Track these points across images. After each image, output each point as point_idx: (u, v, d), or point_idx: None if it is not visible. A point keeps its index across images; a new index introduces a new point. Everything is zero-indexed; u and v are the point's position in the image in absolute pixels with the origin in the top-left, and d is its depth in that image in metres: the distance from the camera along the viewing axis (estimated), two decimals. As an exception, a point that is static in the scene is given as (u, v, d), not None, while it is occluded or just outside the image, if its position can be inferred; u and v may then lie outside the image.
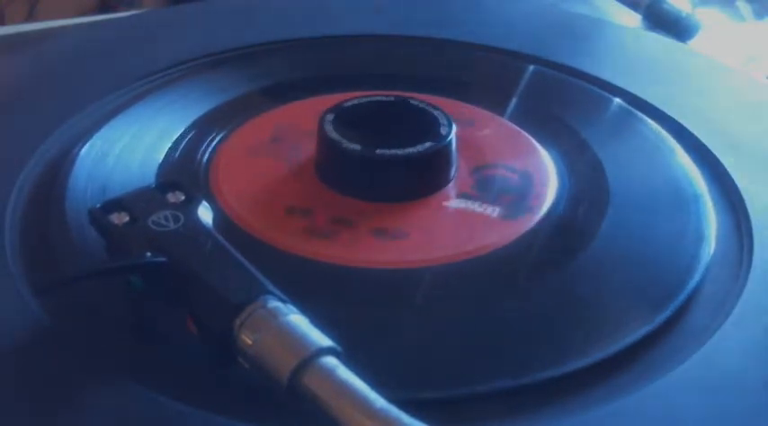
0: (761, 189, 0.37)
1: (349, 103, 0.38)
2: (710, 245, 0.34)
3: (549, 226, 0.35)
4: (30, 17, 0.71)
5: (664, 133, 0.41)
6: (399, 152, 0.35)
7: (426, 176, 0.36)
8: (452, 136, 0.36)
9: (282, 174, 0.37)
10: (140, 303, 0.29)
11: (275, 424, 0.26)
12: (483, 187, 0.37)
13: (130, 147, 0.38)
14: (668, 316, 0.31)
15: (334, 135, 0.36)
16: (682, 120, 0.41)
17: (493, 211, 0.35)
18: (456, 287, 0.32)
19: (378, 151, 0.35)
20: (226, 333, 0.25)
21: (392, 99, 0.38)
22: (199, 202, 0.29)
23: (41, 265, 0.32)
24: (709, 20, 0.57)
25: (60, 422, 0.26)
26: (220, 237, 0.28)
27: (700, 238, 0.34)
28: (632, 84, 0.44)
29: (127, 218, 0.29)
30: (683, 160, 0.39)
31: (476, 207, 0.36)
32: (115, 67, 0.44)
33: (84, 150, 0.38)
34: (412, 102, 0.38)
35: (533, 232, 0.34)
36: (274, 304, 0.25)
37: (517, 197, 0.36)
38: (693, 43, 0.55)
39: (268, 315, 0.25)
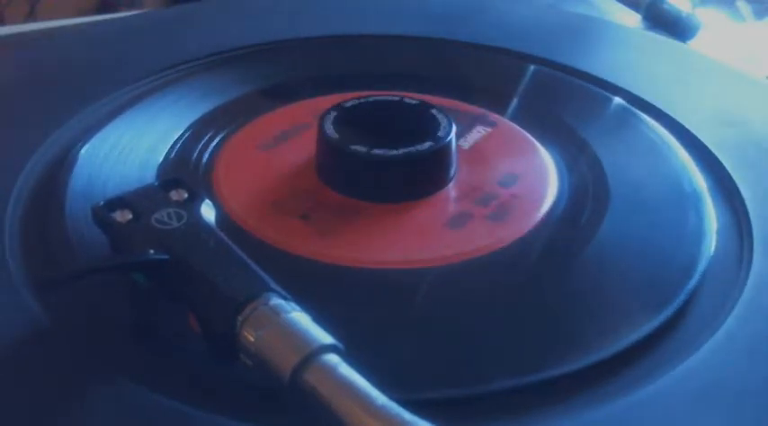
0: (761, 188, 0.37)
1: (349, 103, 0.38)
2: (710, 245, 0.34)
3: (548, 227, 0.35)
4: (30, 17, 0.72)
5: (664, 133, 0.41)
6: (399, 152, 0.35)
7: (426, 176, 0.36)
8: (452, 136, 0.36)
9: (283, 174, 0.37)
10: (141, 302, 0.29)
11: (275, 424, 0.26)
12: (483, 187, 0.37)
13: (131, 147, 0.38)
14: (668, 316, 0.31)
15: (333, 135, 0.36)
16: (681, 120, 0.41)
17: (492, 212, 0.35)
18: (455, 287, 0.32)
19: (377, 151, 0.35)
20: (228, 330, 0.25)
21: (392, 99, 0.38)
22: (202, 200, 0.29)
23: (41, 265, 0.32)
24: (709, 20, 0.57)
25: (60, 422, 0.26)
26: (223, 235, 0.28)
27: (700, 238, 0.34)
28: (632, 84, 0.44)
29: (130, 216, 0.29)
30: (683, 160, 0.39)
31: (475, 207, 0.36)
32: (115, 67, 0.44)
33: (84, 150, 0.37)
34: (412, 102, 0.38)
35: (532, 232, 0.34)
36: (276, 301, 0.25)
37: (517, 197, 0.36)
38: (693, 43, 0.55)
39: (270, 312, 0.25)
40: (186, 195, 0.30)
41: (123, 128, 0.39)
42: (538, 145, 0.40)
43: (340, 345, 0.24)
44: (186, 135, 0.40)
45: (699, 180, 0.37)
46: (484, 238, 0.34)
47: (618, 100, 0.43)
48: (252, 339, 0.25)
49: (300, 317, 0.25)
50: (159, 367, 0.28)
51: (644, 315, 0.30)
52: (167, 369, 0.28)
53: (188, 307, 0.27)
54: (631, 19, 0.58)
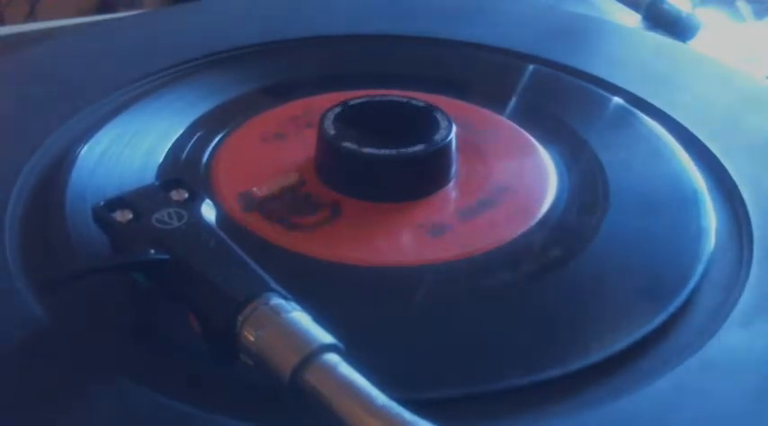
0: (761, 188, 0.37)
1: (349, 103, 0.38)
2: (710, 245, 0.34)
3: (548, 226, 0.35)
4: (30, 17, 0.72)
5: (663, 133, 0.41)
6: (399, 152, 0.35)
7: (426, 176, 0.36)
8: (452, 136, 0.36)
9: (282, 174, 0.37)
10: (141, 302, 0.29)
11: (275, 424, 0.26)
12: (483, 186, 0.37)
13: (130, 147, 0.38)
14: (668, 316, 0.31)
15: (333, 134, 0.36)
16: (681, 120, 0.42)
17: (492, 211, 0.35)
18: (455, 287, 0.32)
19: (377, 151, 0.35)
20: (228, 330, 0.25)
21: (392, 99, 0.38)
22: (202, 200, 0.29)
23: (41, 265, 0.32)
24: (709, 20, 0.57)
25: (60, 422, 0.26)
26: (223, 235, 0.28)
27: (699, 238, 0.34)
28: (632, 84, 0.44)
29: (130, 216, 0.29)
30: (683, 160, 0.39)
31: (475, 207, 0.36)
32: (115, 67, 0.44)
33: (84, 150, 0.37)
34: (412, 102, 0.38)
35: (532, 232, 0.34)
36: (277, 301, 0.25)
37: (517, 197, 0.36)
38: (693, 43, 0.55)
39: (271, 311, 0.25)
40: (187, 195, 0.30)
41: (123, 128, 0.39)
42: (538, 145, 0.40)
43: (340, 345, 0.24)
44: (186, 134, 0.40)
45: (699, 180, 0.37)
46: (484, 238, 0.34)
47: (618, 100, 0.43)
48: (252, 339, 0.25)
49: (301, 317, 0.25)
50: (159, 367, 0.28)
51: (644, 315, 0.30)
52: (167, 369, 0.28)
53: (188, 307, 0.27)
54: (631, 19, 0.58)
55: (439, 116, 0.37)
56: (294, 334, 0.24)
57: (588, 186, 0.37)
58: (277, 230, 0.34)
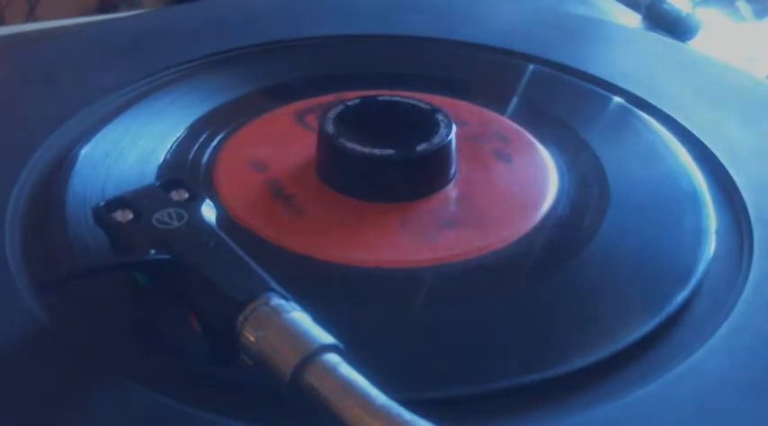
0: (761, 188, 0.37)
1: (349, 103, 0.38)
2: (710, 245, 0.34)
3: (548, 227, 0.35)
4: (30, 17, 0.71)
5: (664, 133, 0.41)
6: (399, 152, 0.35)
7: (426, 176, 0.36)
8: (452, 136, 0.36)
9: (283, 174, 0.37)
10: (141, 302, 0.29)
11: (275, 424, 0.26)
12: (482, 186, 0.37)
13: (131, 148, 0.38)
14: (668, 316, 0.31)
15: (333, 134, 0.36)
16: (682, 120, 0.42)
17: (492, 211, 0.35)
18: (455, 287, 0.32)
19: (377, 151, 0.35)
20: (229, 330, 0.25)
21: (392, 99, 0.38)
22: (202, 200, 0.30)
23: (41, 265, 0.32)
24: (709, 20, 0.57)
25: (60, 422, 0.26)
26: (224, 235, 0.28)
27: (700, 238, 0.34)
28: (632, 84, 0.44)
29: (131, 216, 0.29)
30: (683, 160, 0.39)
31: (475, 207, 0.36)
32: (115, 67, 0.44)
33: (84, 150, 0.38)
34: (412, 102, 0.38)
35: (533, 232, 0.34)
36: (277, 301, 0.25)
37: (517, 197, 0.36)
38: (693, 43, 0.55)
39: (271, 311, 0.25)
40: (187, 195, 0.30)
41: (123, 129, 0.39)
42: (538, 145, 0.40)
43: (340, 345, 0.24)
44: (186, 135, 0.40)
45: (699, 180, 0.37)
46: (484, 238, 0.34)
47: (618, 100, 0.43)
48: (252, 339, 0.25)
49: (301, 317, 0.25)
50: (159, 367, 0.28)
51: (643, 315, 0.30)
52: (167, 369, 0.28)
53: (188, 307, 0.27)
54: (631, 19, 0.58)
55: (439, 116, 0.37)
56: (294, 335, 0.24)
57: (588, 186, 0.37)
58: (277, 230, 0.33)
